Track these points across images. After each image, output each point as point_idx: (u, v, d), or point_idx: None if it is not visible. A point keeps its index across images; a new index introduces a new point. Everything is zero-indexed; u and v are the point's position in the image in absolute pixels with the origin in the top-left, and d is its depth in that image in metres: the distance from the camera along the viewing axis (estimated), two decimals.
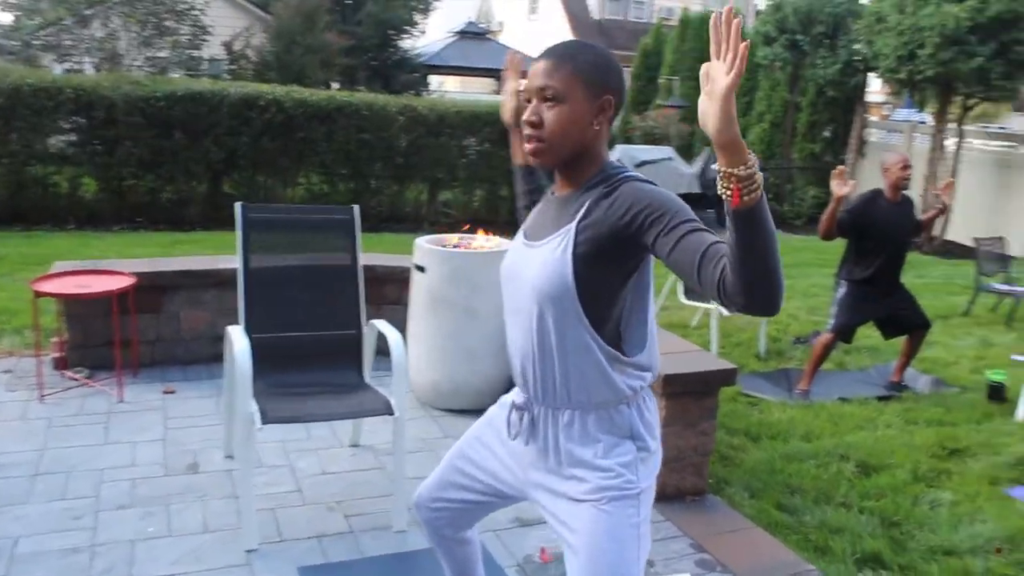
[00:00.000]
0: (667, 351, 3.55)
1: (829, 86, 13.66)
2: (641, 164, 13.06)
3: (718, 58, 1.34)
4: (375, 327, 3.46)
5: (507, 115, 2.11)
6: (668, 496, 3.42)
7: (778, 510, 3.68)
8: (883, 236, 5.32)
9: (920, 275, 9.54)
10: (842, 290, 5.53)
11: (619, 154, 13.48)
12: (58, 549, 2.86)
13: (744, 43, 1.32)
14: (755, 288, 1.37)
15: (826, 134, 15.07)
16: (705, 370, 3.36)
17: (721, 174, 1.35)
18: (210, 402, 4.20)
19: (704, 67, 1.37)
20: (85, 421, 3.92)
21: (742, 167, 1.33)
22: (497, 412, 1.97)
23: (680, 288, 6.44)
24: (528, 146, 1.71)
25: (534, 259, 1.72)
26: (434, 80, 22.35)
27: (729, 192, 1.35)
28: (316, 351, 3.36)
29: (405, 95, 14.36)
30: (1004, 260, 8.39)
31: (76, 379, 4.38)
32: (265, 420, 2.84)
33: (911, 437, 4.69)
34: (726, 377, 3.41)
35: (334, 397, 3.16)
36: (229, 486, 3.35)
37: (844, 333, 5.54)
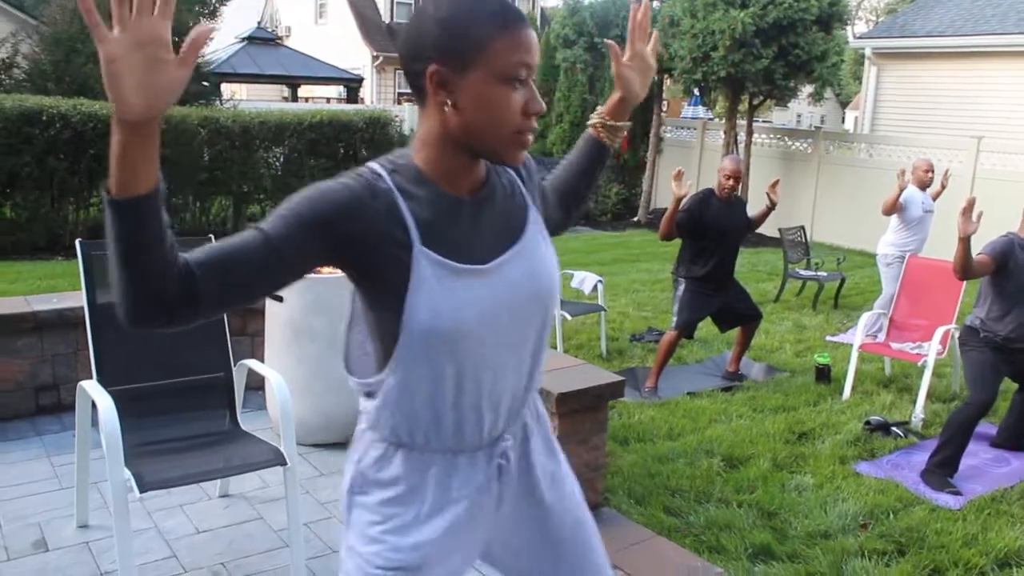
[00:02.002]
0: (553, 367, 3.51)
1: None
2: None
3: (642, 42, 1.77)
4: (245, 367, 3.18)
5: (153, 93, 1.11)
6: None
7: (665, 514, 3.73)
8: (717, 234, 5.56)
9: None
10: (681, 287, 5.73)
11: None
12: None
13: (654, 35, 1.83)
14: (586, 204, 1.91)
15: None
16: (597, 384, 3.32)
17: (620, 127, 1.81)
18: (44, 464, 3.70)
19: (638, 49, 1.77)
20: None
21: (628, 122, 1.84)
22: (418, 557, 1.46)
23: None
24: (528, 142, 1.38)
25: (531, 261, 1.45)
26: (227, 89, 21.31)
27: (621, 138, 1.85)
28: (183, 399, 3.03)
29: (197, 106, 13.59)
30: (806, 247, 9.05)
31: None
32: (144, 487, 2.51)
33: (763, 426, 4.93)
34: (615, 390, 3.40)
35: (213, 450, 2.85)
36: (91, 561, 2.94)
37: (687, 329, 5.75)
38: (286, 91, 23.85)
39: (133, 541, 3.01)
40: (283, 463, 2.75)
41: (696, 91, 13.18)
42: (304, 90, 25.88)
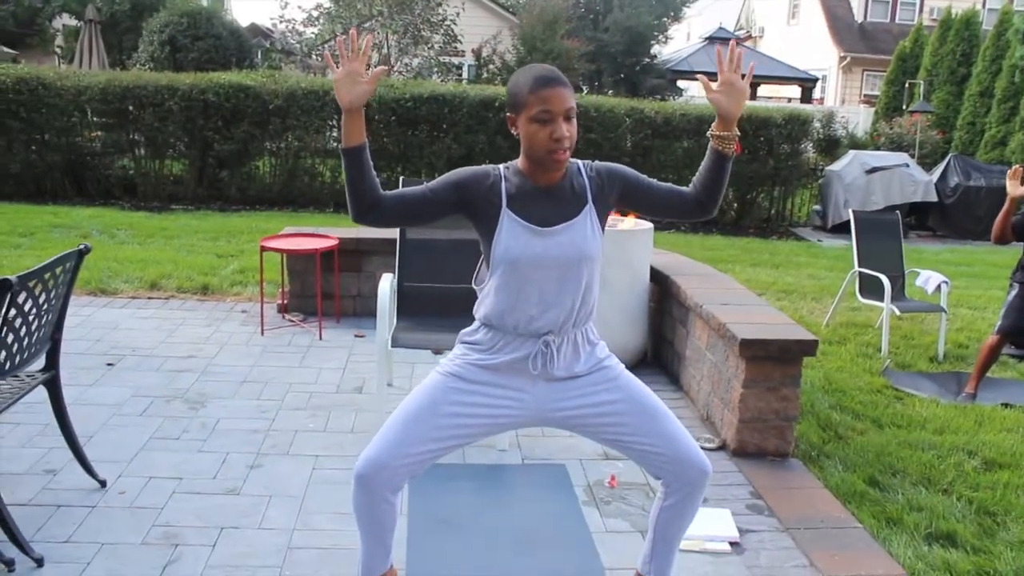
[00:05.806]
0: (760, 321, 3.90)
1: None
2: (872, 170, 12.68)
3: (730, 72, 2.27)
4: None
5: (354, 97, 2.13)
6: (748, 453, 3.77)
7: (867, 484, 3.81)
8: None
9: None
10: (1013, 292, 5.41)
11: (850, 159, 13.15)
12: (244, 429, 3.85)
13: (751, 65, 2.40)
14: (718, 200, 2.37)
15: None
16: (781, 339, 3.66)
17: (726, 136, 2.28)
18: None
19: (726, 77, 2.26)
20: (289, 351, 4.94)
21: (737, 132, 2.31)
22: (471, 374, 2.33)
23: (857, 287, 6.49)
24: (561, 157, 2.16)
25: (575, 236, 2.24)
26: (692, 86, 22.62)
27: (732, 146, 2.29)
28: (449, 299, 4.08)
29: (646, 99, 14.86)
30: None
31: (292, 321, 5.44)
32: (394, 344, 3.60)
33: None
34: (805, 347, 3.68)
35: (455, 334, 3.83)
36: (380, 408, 4.14)
37: (1013, 335, 5.42)
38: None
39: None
40: None
41: None
42: (768, 89, 26.21)
